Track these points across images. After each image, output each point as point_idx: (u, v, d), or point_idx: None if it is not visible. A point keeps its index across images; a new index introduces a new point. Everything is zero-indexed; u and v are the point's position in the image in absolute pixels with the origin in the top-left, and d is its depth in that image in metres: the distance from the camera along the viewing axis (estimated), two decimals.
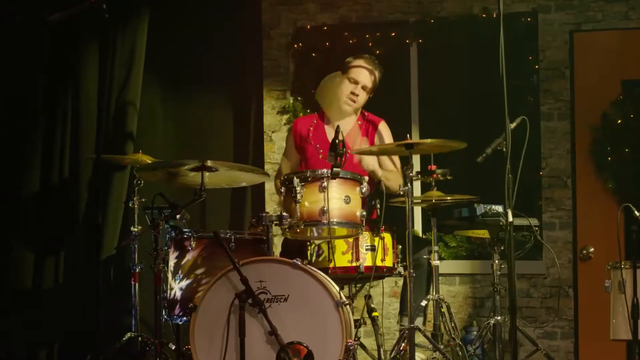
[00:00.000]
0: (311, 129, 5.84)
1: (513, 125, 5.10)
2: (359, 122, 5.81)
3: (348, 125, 5.79)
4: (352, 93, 5.72)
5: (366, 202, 5.10)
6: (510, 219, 4.58)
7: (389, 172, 5.69)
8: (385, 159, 5.76)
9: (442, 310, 5.36)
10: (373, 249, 5.15)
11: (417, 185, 6.88)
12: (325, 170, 4.87)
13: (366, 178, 5.01)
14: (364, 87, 5.73)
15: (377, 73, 5.79)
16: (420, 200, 5.50)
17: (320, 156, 5.71)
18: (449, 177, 5.29)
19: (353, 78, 5.74)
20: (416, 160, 6.79)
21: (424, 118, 7.34)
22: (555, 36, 7.02)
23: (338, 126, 4.90)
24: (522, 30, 7.07)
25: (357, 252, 5.10)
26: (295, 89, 7.43)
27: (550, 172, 6.99)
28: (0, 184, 6.50)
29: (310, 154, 5.79)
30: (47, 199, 6.47)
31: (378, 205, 5.14)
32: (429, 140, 5.05)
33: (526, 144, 4.94)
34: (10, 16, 6.54)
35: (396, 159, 5.80)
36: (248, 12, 7.26)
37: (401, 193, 5.08)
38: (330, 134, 5.73)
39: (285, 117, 7.38)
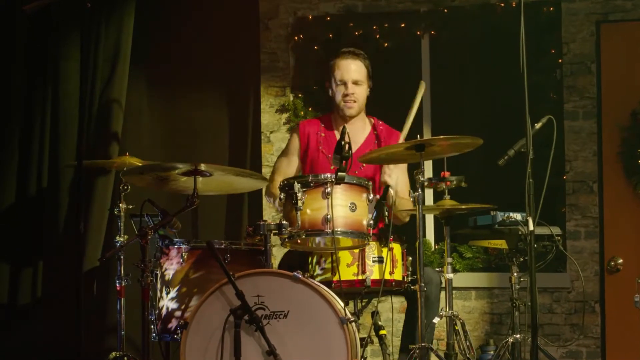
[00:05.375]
0: (322, 135, 5.81)
1: (538, 126, 5.12)
2: (375, 133, 5.78)
3: (360, 137, 5.77)
4: (345, 95, 5.69)
5: (373, 210, 5.10)
6: (531, 227, 4.60)
7: (401, 199, 5.64)
8: (402, 185, 5.72)
9: (456, 327, 5.36)
10: (381, 260, 5.15)
11: (429, 194, 6.90)
12: (329, 175, 4.87)
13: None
14: (355, 82, 5.70)
15: (361, 61, 5.71)
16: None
17: (332, 167, 5.69)
18: (463, 185, 5.29)
19: (340, 80, 5.71)
20: (428, 167, 6.81)
21: (437, 117, 7.35)
22: (581, 27, 7.04)
23: (344, 127, 4.90)
24: (544, 21, 7.09)
25: (364, 264, 5.10)
26: (296, 85, 7.45)
27: (575, 176, 7.00)
28: None
29: (321, 164, 5.76)
30: (24, 205, 6.49)
31: (386, 213, 5.14)
32: (441, 137, 5.03)
33: (554, 146, 4.96)
34: None
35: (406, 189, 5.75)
36: (244, 0, 7.28)
37: (410, 199, 5.08)
38: None
39: (285, 115, 7.40)
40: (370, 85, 5.75)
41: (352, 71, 5.68)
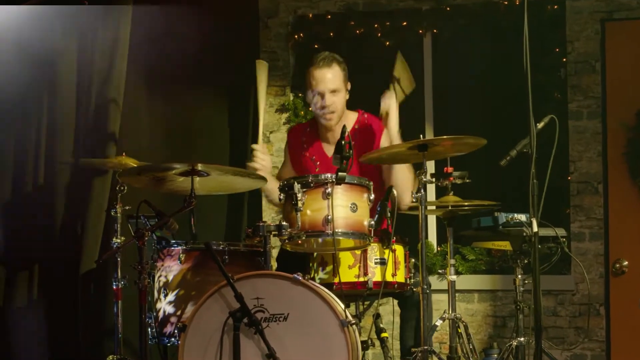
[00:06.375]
0: (304, 139, 5.81)
1: (540, 125, 5.10)
2: (356, 127, 5.76)
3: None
4: (323, 107, 5.65)
5: (375, 210, 5.08)
6: (535, 229, 4.58)
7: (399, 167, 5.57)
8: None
9: (459, 330, 5.35)
10: (383, 262, 5.13)
11: (431, 191, 6.88)
12: (329, 175, 4.85)
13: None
14: (333, 91, 5.62)
15: (336, 65, 5.65)
16: (435, 207, 5.49)
17: (317, 170, 5.69)
18: (467, 180, 5.28)
19: (316, 91, 5.65)
20: (430, 165, 6.78)
21: (439, 117, 7.35)
22: (585, 26, 7.03)
23: (344, 126, 4.88)
24: (548, 20, 7.08)
25: (366, 265, 5.08)
26: (296, 85, 7.44)
27: (580, 177, 6.99)
28: None
29: (306, 166, 5.76)
30: (20, 206, 6.46)
31: (389, 214, 5.12)
32: (444, 137, 5.01)
33: (556, 145, 4.94)
34: None
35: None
36: None
37: (413, 200, 5.06)
38: (326, 147, 5.72)
39: (285, 115, 7.39)
40: (348, 88, 5.70)
41: (328, 81, 5.61)
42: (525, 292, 5.43)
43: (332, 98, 5.61)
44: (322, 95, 5.60)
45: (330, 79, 5.60)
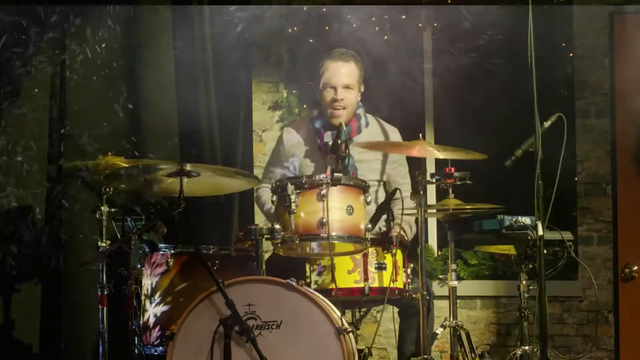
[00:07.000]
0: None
1: (547, 124, 5.11)
2: None
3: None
4: (334, 100, 5.68)
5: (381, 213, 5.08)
6: (541, 232, 4.58)
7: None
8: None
9: (462, 338, 5.35)
10: (382, 267, 5.13)
11: (431, 193, 6.88)
12: (324, 176, 4.85)
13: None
14: (346, 87, 5.67)
15: (353, 63, 5.70)
16: (435, 210, 5.50)
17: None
18: (468, 182, 5.27)
19: (329, 84, 5.70)
20: (430, 162, 6.79)
21: (440, 115, 7.34)
22: (593, 19, 7.03)
23: (341, 124, 4.89)
24: (554, 13, 7.07)
25: (366, 271, 5.08)
26: (290, 81, 7.43)
27: (587, 178, 6.99)
28: None
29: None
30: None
31: (392, 217, 5.12)
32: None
33: (564, 146, 4.95)
34: None
35: None
36: None
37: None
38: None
39: (278, 113, 7.38)
40: (362, 89, 5.74)
41: (343, 75, 5.67)
42: (530, 298, 5.43)
43: (345, 93, 5.64)
44: (335, 90, 5.63)
45: (345, 74, 5.67)
